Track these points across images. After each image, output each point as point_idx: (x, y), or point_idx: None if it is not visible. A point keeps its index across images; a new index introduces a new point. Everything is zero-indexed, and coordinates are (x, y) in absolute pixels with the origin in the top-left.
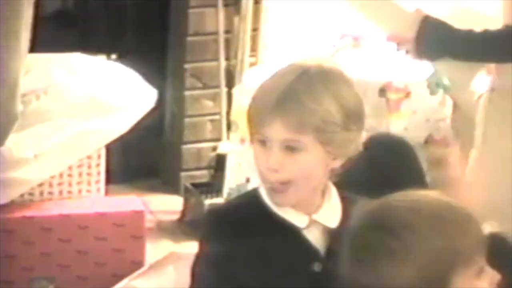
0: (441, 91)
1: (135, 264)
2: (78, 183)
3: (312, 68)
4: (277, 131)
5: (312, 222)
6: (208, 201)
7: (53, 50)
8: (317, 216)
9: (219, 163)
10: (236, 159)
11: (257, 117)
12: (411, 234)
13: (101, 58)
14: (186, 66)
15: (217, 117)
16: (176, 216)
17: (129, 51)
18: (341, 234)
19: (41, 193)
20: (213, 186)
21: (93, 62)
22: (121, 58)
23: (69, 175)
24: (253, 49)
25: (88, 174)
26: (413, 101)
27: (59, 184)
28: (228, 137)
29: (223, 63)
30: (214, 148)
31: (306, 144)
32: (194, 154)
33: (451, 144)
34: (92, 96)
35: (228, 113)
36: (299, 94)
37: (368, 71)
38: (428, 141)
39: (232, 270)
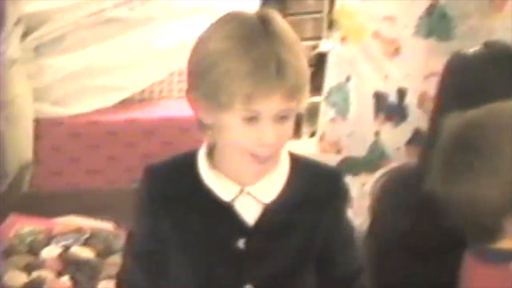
0: None
1: None
2: (179, 81)
3: (270, 21)
4: (274, 104)
5: (246, 194)
6: (308, 100)
7: None
8: (252, 188)
9: (320, 61)
10: (336, 58)
11: (247, 93)
12: (497, 153)
13: None
14: None
15: (318, 15)
16: None
17: None
18: (278, 208)
19: (142, 96)
20: (313, 84)
21: None
22: None
23: (170, 77)
24: None
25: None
26: None
27: (160, 86)
28: (329, 36)
29: None
30: (315, 47)
31: (293, 109)
32: None
33: None
34: (197, 3)
35: (330, 11)
36: (289, 57)
37: None
38: None
39: (158, 231)
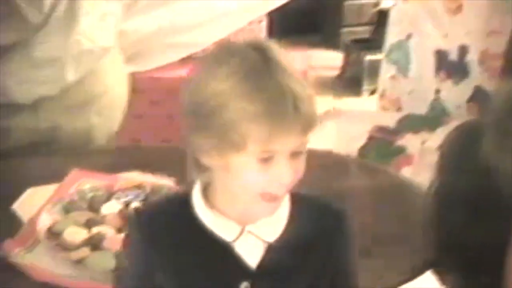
0: None
1: None
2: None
3: (268, 52)
4: (292, 141)
5: (247, 233)
6: (368, 57)
7: None
8: (253, 227)
9: (381, 19)
10: (398, 15)
11: (263, 133)
12: None
13: None
14: None
15: None
16: (336, 72)
17: None
18: (282, 248)
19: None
20: (374, 42)
21: None
22: None
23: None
24: None
25: (250, 30)
26: None
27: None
28: None
29: None
30: (376, 4)
31: (307, 142)
32: (355, 10)
33: None
34: None
35: None
36: (300, 88)
37: None
38: None
39: (151, 277)
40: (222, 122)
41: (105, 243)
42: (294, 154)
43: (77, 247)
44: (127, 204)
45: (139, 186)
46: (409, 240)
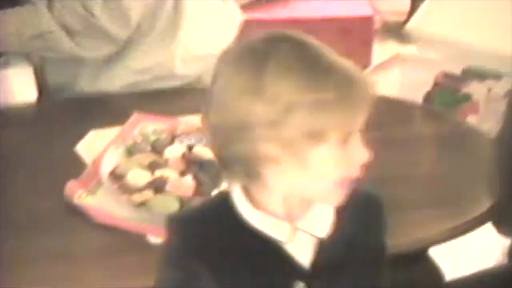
0: None
1: (361, 67)
2: None
3: (298, 38)
4: (362, 118)
5: (298, 231)
6: None
7: None
8: (302, 223)
9: None
10: None
11: (342, 117)
12: None
13: None
14: None
15: None
16: (403, 18)
17: None
18: (333, 243)
19: None
20: None
21: None
22: None
23: None
24: None
25: None
26: None
27: None
28: None
29: None
30: None
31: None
32: None
33: None
34: None
35: None
36: (352, 65)
37: None
38: None
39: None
40: (295, 122)
41: (168, 186)
42: (360, 133)
43: (140, 189)
44: (190, 148)
45: (201, 129)
46: (474, 188)
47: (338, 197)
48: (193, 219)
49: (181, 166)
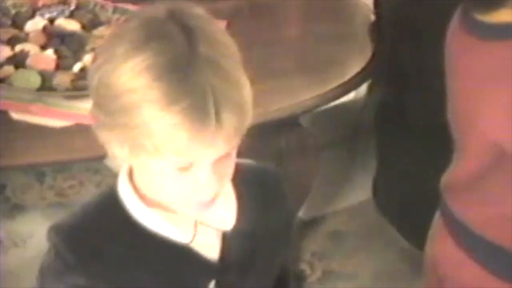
0: None
1: None
2: None
3: (199, 31)
4: (213, 152)
5: (202, 228)
6: None
7: None
8: (204, 216)
9: None
10: None
11: (179, 146)
12: None
13: None
14: None
15: None
16: None
17: None
18: (238, 234)
19: None
20: None
21: None
22: None
23: None
24: None
25: None
26: None
27: None
28: None
29: None
30: None
31: (236, 146)
32: None
33: None
34: None
35: None
36: (230, 89)
37: None
38: None
39: None
40: (133, 125)
41: (29, 61)
42: (219, 160)
43: (0, 65)
44: (51, 21)
45: (64, 2)
46: (344, 54)
47: (199, 213)
48: (78, 227)
49: (42, 40)
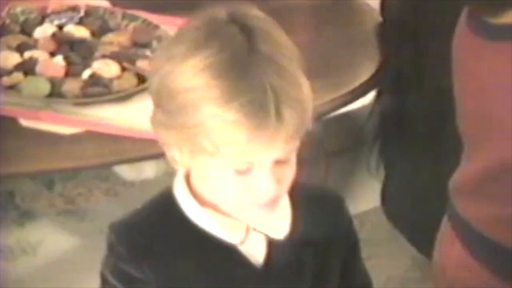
0: None
1: None
2: None
3: (257, 34)
4: (273, 153)
5: (253, 233)
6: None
7: None
8: (260, 223)
9: None
10: None
11: (239, 145)
12: None
13: None
14: None
15: None
16: None
17: None
18: (287, 243)
19: None
20: None
21: None
22: None
23: None
24: None
25: None
26: None
27: None
28: None
29: None
30: None
31: (295, 148)
32: None
33: None
34: None
35: None
36: (290, 88)
37: None
38: None
39: None
40: (192, 125)
41: (38, 68)
42: (280, 163)
43: (10, 72)
44: (60, 27)
45: (73, 8)
46: (355, 60)
47: (258, 214)
48: (136, 225)
49: (51, 47)
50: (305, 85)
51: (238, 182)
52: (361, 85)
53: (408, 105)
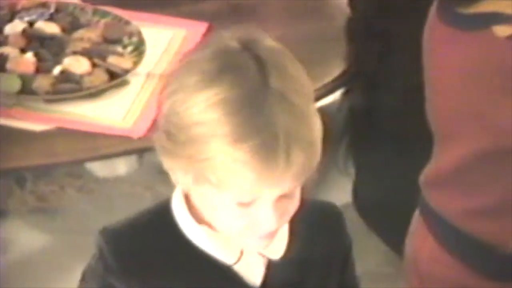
0: None
1: None
2: None
3: (271, 69)
4: (278, 190)
5: (249, 253)
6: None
7: None
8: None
9: None
10: None
11: (246, 183)
12: None
13: None
14: None
15: None
16: None
17: None
18: (284, 263)
19: None
20: None
21: None
22: None
23: None
24: None
25: None
26: None
27: None
28: None
29: None
30: None
31: (301, 182)
32: None
33: None
34: None
35: None
36: (301, 128)
37: None
38: None
39: None
40: (199, 158)
41: (9, 64)
42: (283, 196)
43: None
44: (30, 24)
45: (43, 5)
46: (326, 55)
47: (255, 244)
48: (128, 235)
49: (22, 43)
50: (316, 124)
51: (239, 213)
52: (332, 81)
53: (377, 101)
